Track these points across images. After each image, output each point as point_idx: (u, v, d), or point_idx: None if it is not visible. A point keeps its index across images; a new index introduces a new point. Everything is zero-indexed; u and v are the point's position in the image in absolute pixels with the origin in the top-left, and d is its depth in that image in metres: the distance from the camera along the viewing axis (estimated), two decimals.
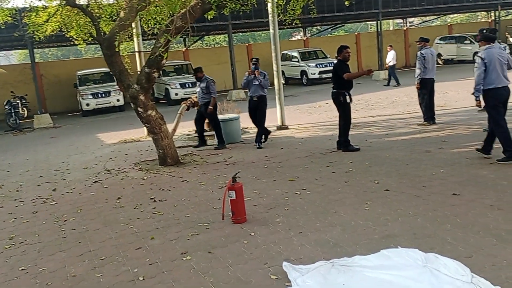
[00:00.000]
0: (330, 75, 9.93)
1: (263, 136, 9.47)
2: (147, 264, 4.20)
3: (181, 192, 6.48)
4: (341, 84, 8.02)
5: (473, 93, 6.53)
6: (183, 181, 7.12)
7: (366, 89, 18.41)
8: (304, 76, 22.95)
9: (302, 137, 9.96)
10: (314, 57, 23.98)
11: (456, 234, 4.17)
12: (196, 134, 11.50)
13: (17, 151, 12.05)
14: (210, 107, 9.61)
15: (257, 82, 9.18)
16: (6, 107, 17.02)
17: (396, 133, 9.37)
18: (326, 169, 7.02)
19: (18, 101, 18.09)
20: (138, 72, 8.86)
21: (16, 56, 48.43)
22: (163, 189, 6.72)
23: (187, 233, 4.89)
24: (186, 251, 4.41)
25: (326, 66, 21.75)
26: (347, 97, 7.97)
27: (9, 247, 5.03)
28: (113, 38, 7.73)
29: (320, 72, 22.18)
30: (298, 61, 23.39)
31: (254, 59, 9.77)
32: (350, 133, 8.31)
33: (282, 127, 11.34)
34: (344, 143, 8.16)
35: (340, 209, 5.18)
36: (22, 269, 4.38)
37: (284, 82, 20.59)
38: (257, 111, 9.34)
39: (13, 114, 16.82)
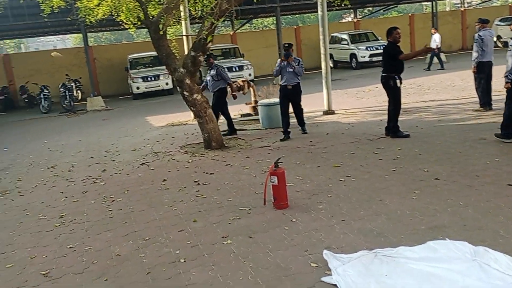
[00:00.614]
0: (380, 58, 9.56)
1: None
2: (189, 247, 4.24)
3: (225, 176, 6.50)
4: (391, 67, 7.72)
5: (506, 76, 6.93)
6: (226, 165, 7.14)
7: (419, 73, 17.70)
8: (354, 59, 22.36)
9: (349, 122, 9.72)
10: (365, 40, 23.27)
11: (509, 227, 3.92)
12: (242, 118, 11.54)
13: (70, 132, 12.53)
14: (233, 93, 9.67)
15: (290, 70, 8.40)
16: (61, 89, 17.70)
17: (449, 119, 8.95)
18: (373, 155, 6.81)
19: (72, 84, 18.83)
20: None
21: (71, 40, 50.28)
22: (207, 173, 6.76)
23: (229, 217, 4.89)
24: (227, 235, 4.42)
25: (377, 49, 21.08)
26: (398, 80, 7.66)
27: (59, 225, 5.24)
28: (160, 22, 7.79)
29: (371, 55, 21.53)
30: (347, 44, 22.81)
31: (286, 45, 8.97)
32: (399, 118, 8.00)
33: (329, 112, 11.11)
34: (393, 129, 7.88)
35: (386, 197, 5.01)
36: (70, 247, 4.54)
37: (332, 66, 20.23)
38: (293, 102, 8.68)
39: (67, 96, 17.49)
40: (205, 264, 3.86)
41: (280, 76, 8.61)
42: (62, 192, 6.58)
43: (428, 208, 4.55)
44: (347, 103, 12.31)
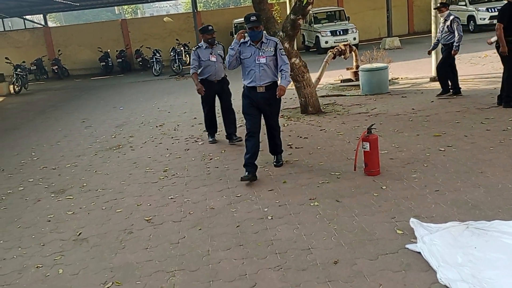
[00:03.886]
0: None
1: None
2: (277, 205, 4.40)
3: (318, 141, 6.52)
4: (508, 31, 7.00)
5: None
6: (321, 130, 7.14)
7: None
8: (472, 21, 20.51)
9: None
10: (486, 0, 21.16)
11: None
12: (342, 83, 11.34)
13: (178, 94, 13.31)
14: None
15: (262, 59, 5.19)
16: (171, 53, 18.71)
17: None
18: (480, 126, 6.35)
19: (181, 48, 19.78)
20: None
21: (183, 6, 52.42)
22: (301, 137, 6.84)
23: (318, 180, 4.95)
24: (315, 197, 4.50)
25: (499, 10, 19.09)
26: None
27: (163, 178, 5.71)
28: None
29: (491, 17, 19.55)
30: (465, 5, 20.93)
31: (252, 17, 5.19)
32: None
33: (436, 78, 10.45)
34: (506, 98, 7.23)
35: (488, 169, 4.69)
36: (171, 198, 4.96)
37: None
38: (265, 115, 5.43)
39: (177, 60, 18.45)
40: (291, 223, 4.00)
41: (242, 71, 5.29)
42: (167, 149, 7.11)
43: None
44: (459, 70, 11.42)
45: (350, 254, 3.37)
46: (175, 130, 8.50)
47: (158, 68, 18.73)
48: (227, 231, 3.99)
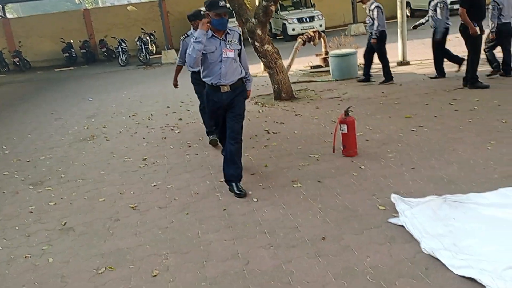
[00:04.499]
0: None
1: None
2: (261, 188, 4.50)
3: (294, 126, 6.65)
4: (470, 14, 7.29)
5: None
6: (296, 115, 7.27)
7: None
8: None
9: (424, 73, 9.38)
10: None
11: None
12: (312, 70, 11.49)
13: (147, 84, 13.17)
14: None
15: (230, 53, 4.36)
16: (137, 43, 18.43)
17: None
18: (448, 106, 6.62)
19: (147, 37, 19.50)
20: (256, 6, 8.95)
21: None
22: (277, 122, 6.95)
23: (298, 163, 5.08)
24: (297, 179, 4.62)
25: None
26: (477, 28, 7.25)
27: (143, 166, 5.70)
28: None
29: (452, 2, 20.15)
30: None
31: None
32: (479, 69, 7.63)
33: (403, 62, 10.79)
34: (471, 80, 7.55)
35: (459, 147, 4.93)
36: (154, 185, 4.98)
37: (408, 15, 19.21)
38: (231, 117, 4.51)
39: (143, 49, 18.20)
40: (276, 204, 4.11)
41: (203, 67, 4.39)
42: (144, 138, 7.08)
43: (503, 158, 4.44)
44: (423, 54, 11.76)
45: (337, 230, 3.51)
46: (149, 119, 8.45)
47: (124, 58, 18.42)
48: (214, 214, 4.06)
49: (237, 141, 4.44)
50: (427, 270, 2.86)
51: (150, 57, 18.87)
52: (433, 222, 3.34)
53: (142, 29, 20.21)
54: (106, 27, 21.89)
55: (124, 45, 18.60)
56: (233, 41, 4.32)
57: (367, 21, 8.87)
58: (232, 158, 4.42)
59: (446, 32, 8.55)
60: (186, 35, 6.20)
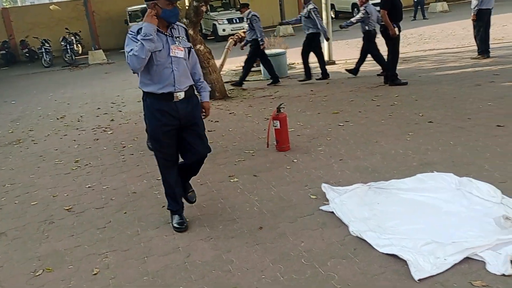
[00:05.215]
0: None
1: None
2: (199, 184, 4.59)
3: (229, 124, 6.80)
4: (389, 16, 7.83)
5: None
6: (230, 113, 7.42)
7: (420, 22, 17.67)
8: (356, 9, 22.10)
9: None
10: None
11: (494, 162, 4.25)
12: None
13: (75, 85, 12.74)
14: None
15: (179, 53, 3.49)
16: (62, 43, 17.74)
17: (447, 67, 9.15)
18: (371, 102, 7.08)
19: (72, 37, 18.79)
20: (187, 7, 8.99)
21: None
22: (211, 120, 7.04)
23: (234, 159, 5.23)
24: (233, 174, 4.77)
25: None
26: (396, 29, 7.80)
27: (76, 168, 5.59)
28: None
29: (373, 5, 21.28)
30: None
31: None
32: (399, 67, 8.23)
33: (329, 62, 11.27)
34: (391, 77, 8.11)
35: (382, 139, 5.32)
36: (89, 187, 4.91)
37: (333, 16, 20.05)
38: (187, 136, 3.66)
39: (68, 50, 17.56)
40: (214, 198, 4.23)
41: (146, 71, 3.46)
42: (75, 140, 6.90)
43: (421, 148, 4.87)
44: (348, 54, 12.41)
45: (273, 220, 3.70)
46: (79, 121, 8.22)
47: (48, 59, 17.65)
48: (153, 212, 4.11)
49: (200, 163, 3.80)
50: (355, 250, 3.12)
51: (76, 57, 18.22)
52: (359, 207, 3.62)
53: (66, 29, 19.43)
54: (27, 27, 20.80)
55: (48, 45, 17.83)
56: (181, 37, 3.52)
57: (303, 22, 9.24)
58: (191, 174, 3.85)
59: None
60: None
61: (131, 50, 3.28)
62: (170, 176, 3.69)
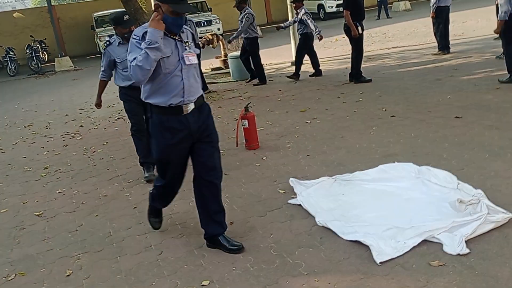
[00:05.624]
0: None
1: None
2: None
3: None
4: (352, 15, 8.06)
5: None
6: None
7: (384, 21, 18.13)
8: (321, 10, 22.52)
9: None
10: None
11: (452, 151, 4.48)
12: (212, 72, 11.77)
13: (41, 93, 12.56)
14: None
15: (192, 59, 3.15)
16: (27, 51, 17.42)
17: (409, 64, 9.46)
18: (337, 100, 7.28)
19: (38, 45, 18.48)
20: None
21: (31, 0, 48.27)
22: None
23: None
24: None
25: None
26: (359, 28, 8.04)
27: (45, 175, 5.57)
28: None
29: (338, 6, 21.72)
30: None
31: None
32: (363, 65, 8.47)
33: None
34: (356, 75, 8.33)
35: (347, 134, 5.50)
36: (59, 192, 4.91)
37: None
38: (198, 150, 3.33)
39: (34, 58, 17.24)
40: (185, 198, 4.29)
41: (151, 81, 3.06)
42: (43, 147, 6.85)
43: (383, 141, 5.07)
44: (321, 53, 12.62)
45: (243, 215, 3.80)
46: (47, 128, 8.15)
47: (13, 67, 17.32)
48: (125, 213, 4.16)
49: (219, 179, 3.34)
50: (322, 239, 3.25)
51: (42, 65, 17.91)
52: (325, 198, 3.77)
53: (31, 36, 19.09)
54: None
55: (13, 53, 17.49)
56: (189, 42, 3.15)
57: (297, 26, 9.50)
58: (216, 200, 3.33)
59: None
60: (108, 42, 4.81)
61: (134, 59, 2.89)
62: (176, 184, 3.51)
